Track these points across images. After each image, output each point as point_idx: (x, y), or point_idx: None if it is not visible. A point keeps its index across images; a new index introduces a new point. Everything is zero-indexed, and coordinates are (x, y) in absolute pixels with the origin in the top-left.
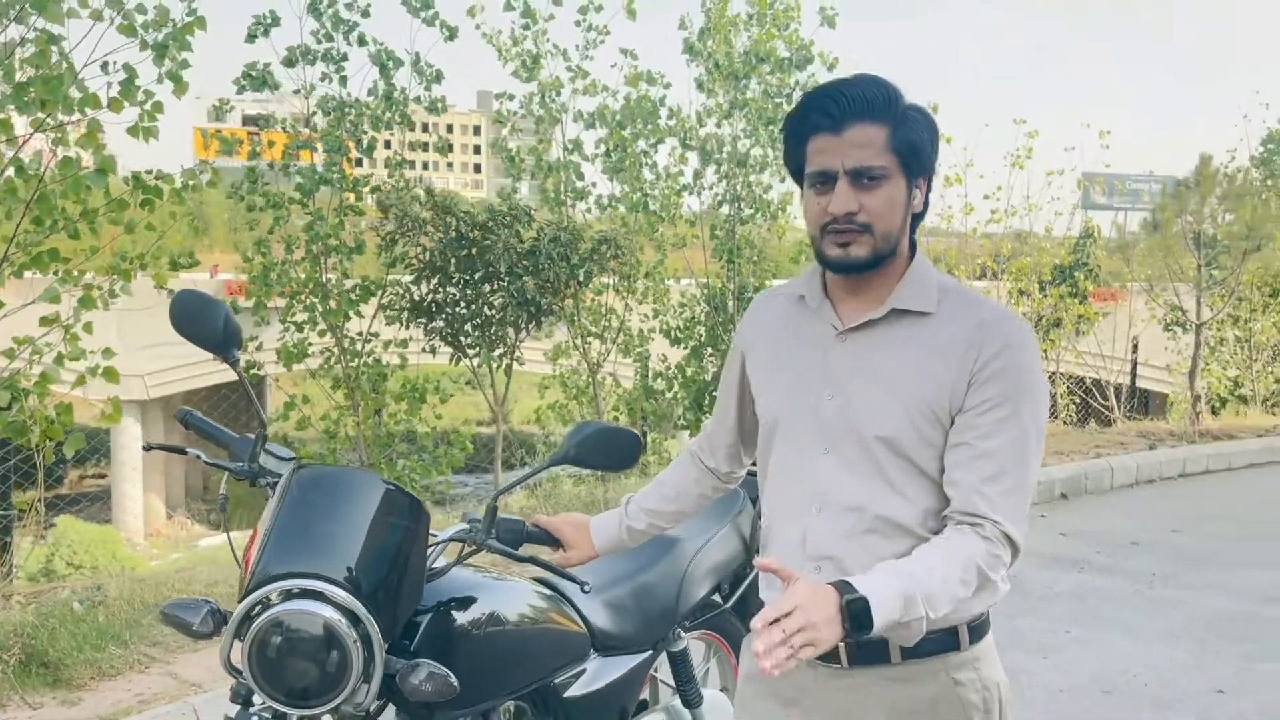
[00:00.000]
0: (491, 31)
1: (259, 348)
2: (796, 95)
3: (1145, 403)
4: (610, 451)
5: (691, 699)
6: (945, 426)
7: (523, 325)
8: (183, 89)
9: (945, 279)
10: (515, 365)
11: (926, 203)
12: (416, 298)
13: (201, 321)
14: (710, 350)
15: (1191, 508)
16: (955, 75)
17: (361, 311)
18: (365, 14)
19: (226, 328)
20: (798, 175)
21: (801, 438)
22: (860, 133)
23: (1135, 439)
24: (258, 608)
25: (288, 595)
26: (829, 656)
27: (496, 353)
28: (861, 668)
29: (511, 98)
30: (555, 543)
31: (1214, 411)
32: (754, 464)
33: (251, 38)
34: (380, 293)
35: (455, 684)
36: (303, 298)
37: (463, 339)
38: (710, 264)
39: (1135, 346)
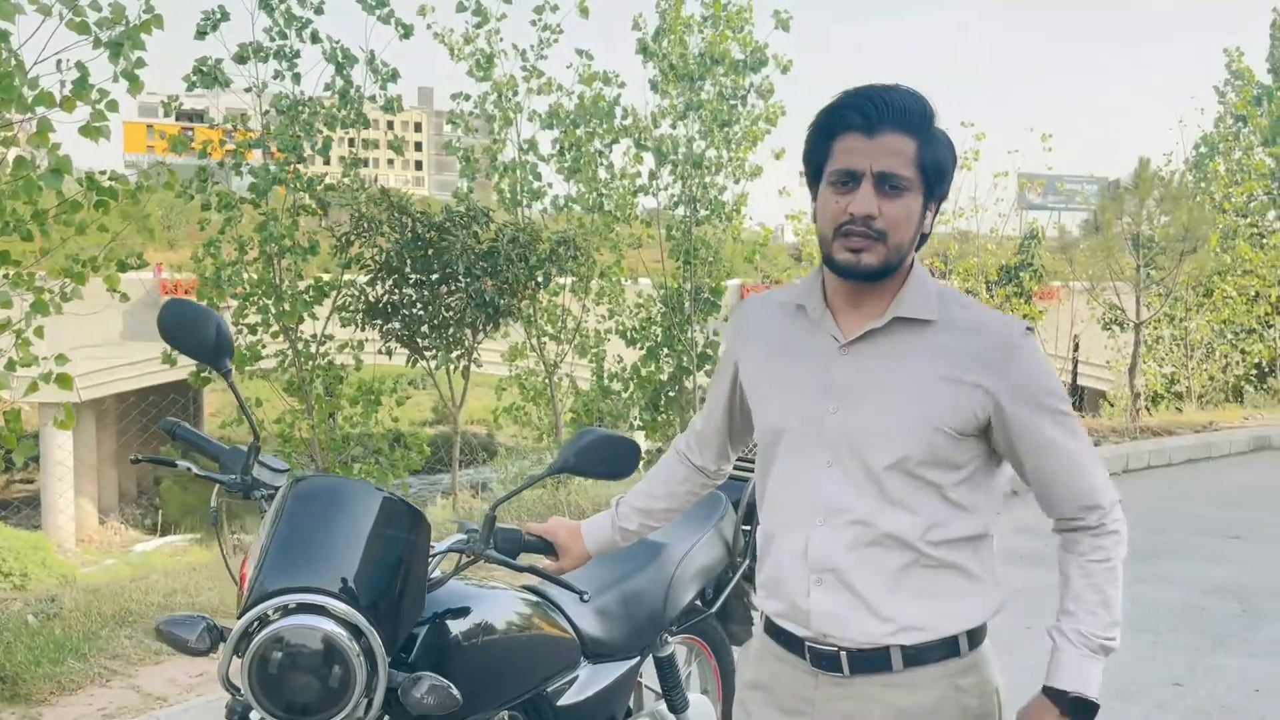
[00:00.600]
0: (443, 30)
1: None
2: (751, 97)
3: (1081, 399)
4: (610, 459)
5: (678, 704)
6: (950, 435)
7: (480, 327)
8: (138, 88)
9: (942, 287)
10: (473, 367)
11: (931, 226)
12: (372, 299)
13: (193, 331)
14: (666, 350)
15: (1135, 502)
16: (942, 76)
17: (315, 314)
18: (319, 10)
19: (219, 337)
20: (816, 171)
21: (804, 450)
22: (892, 140)
23: None
24: (256, 623)
25: (287, 610)
26: (830, 665)
27: (454, 354)
28: (863, 676)
29: (467, 97)
30: (550, 550)
31: (1148, 409)
32: (742, 462)
33: (201, 34)
34: (335, 294)
35: (458, 696)
36: (255, 299)
37: (419, 340)
38: (666, 264)
39: (1076, 345)
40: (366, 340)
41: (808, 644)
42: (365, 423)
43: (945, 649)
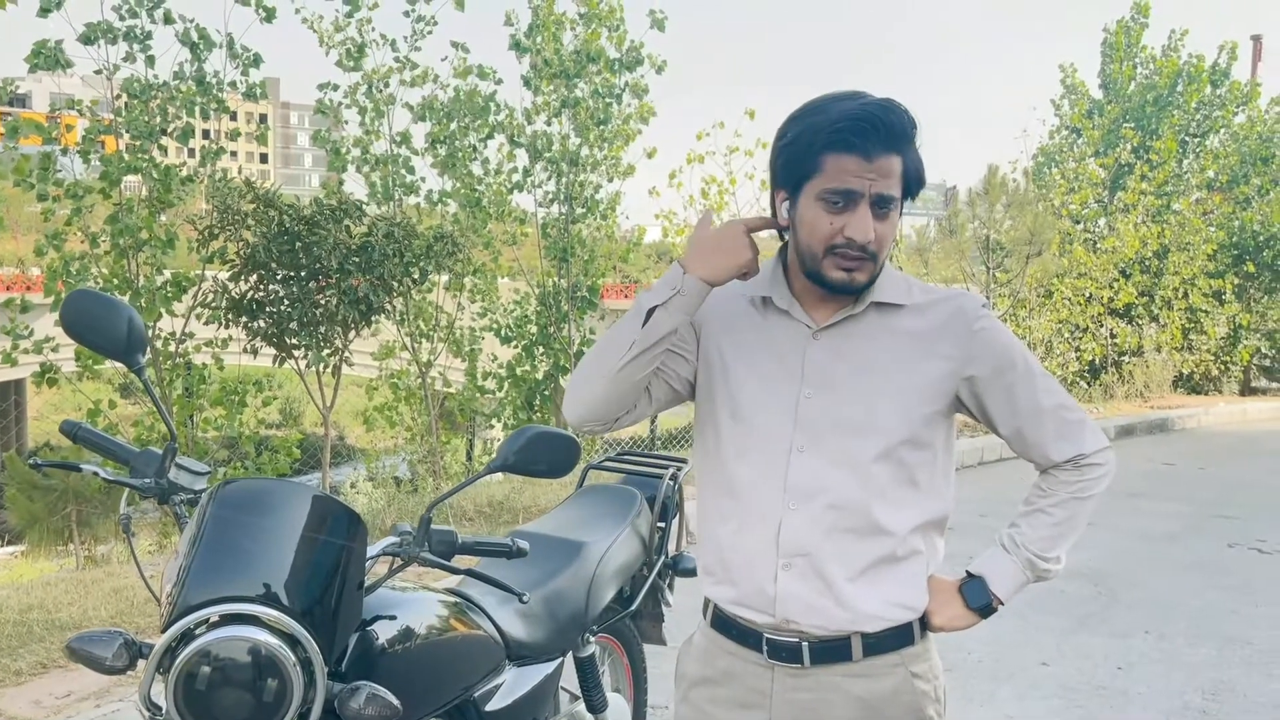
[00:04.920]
0: (312, 16)
1: (55, 349)
2: (626, 97)
3: None
4: (549, 457)
5: (597, 704)
6: (925, 413)
7: (352, 324)
8: None
9: (904, 275)
10: (344, 367)
11: None
12: (235, 295)
13: (101, 326)
14: (542, 349)
15: (993, 493)
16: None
17: (175, 310)
18: None
19: (131, 332)
20: (798, 181)
21: (775, 434)
22: (886, 162)
23: None
24: (181, 638)
25: (215, 622)
26: (790, 656)
27: (325, 353)
28: (823, 666)
29: (336, 87)
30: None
31: None
32: (653, 459)
33: (45, 11)
34: (196, 289)
35: (397, 705)
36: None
37: (287, 339)
38: (542, 262)
39: None
40: (231, 339)
41: (766, 635)
42: (230, 425)
43: (901, 637)
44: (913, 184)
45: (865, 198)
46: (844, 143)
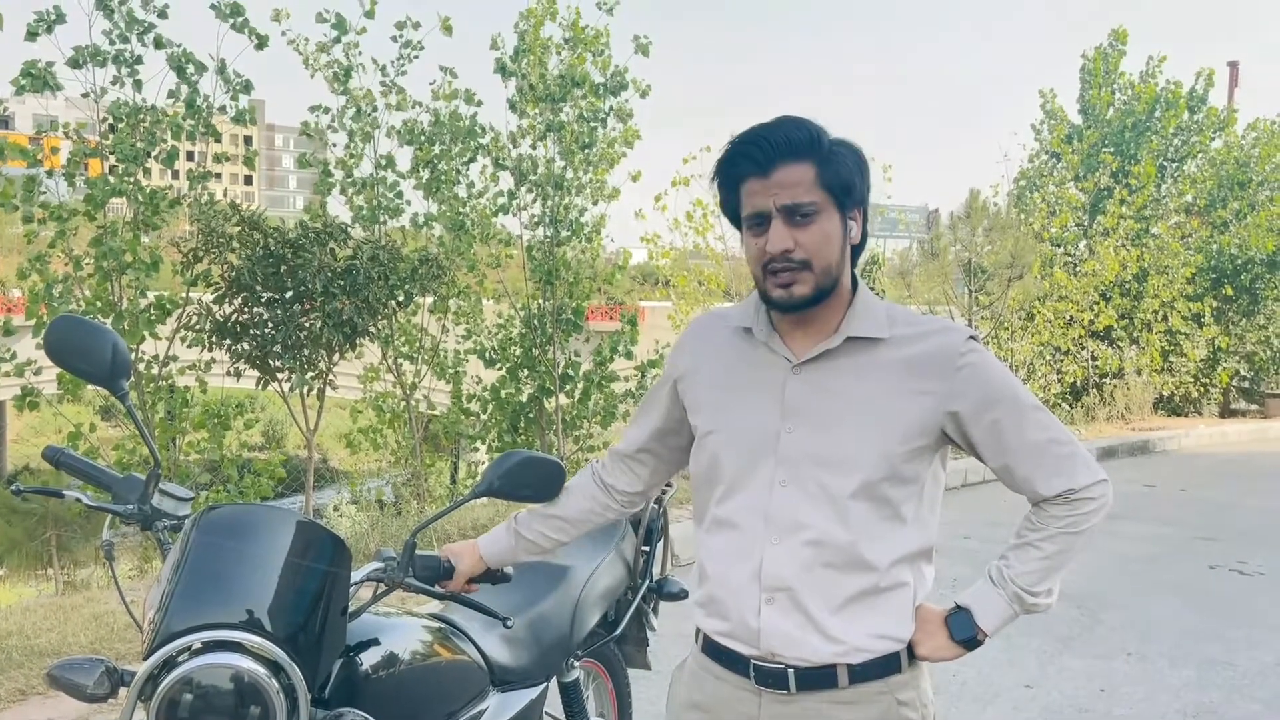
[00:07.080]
0: (297, 38)
1: (37, 372)
2: (611, 121)
3: None
4: (535, 481)
5: None
6: (907, 449)
7: (336, 347)
8: None
9: (889, 304)
10: (327, 390)
11: (865, 234)
12: (219, 318)
13: (85, 351)
14: (526, 371)
15: (977, 515)
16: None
17: (158, 333)
18: (162, 14)
19: (115, 357)
20: (735, 220)
21: (757, 468)
22: (788, 172)
23: None
24: (163, 666)
25: (199, 649)
26: (776, 683)
27: (309, 376)
28: (809, 693)
29: (326, 110)
30: (449, 574)
31: None
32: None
33: (33, 35)
34: (180, 312)
35: None
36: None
37: (271, 362)
38: (527, 284)
39: None
40: (214, 361)
41: (753, 662)
42: (213, 448)
43: (887, 665)
44: (836, 186)
45: (773, 212)
46: (741, 168)
